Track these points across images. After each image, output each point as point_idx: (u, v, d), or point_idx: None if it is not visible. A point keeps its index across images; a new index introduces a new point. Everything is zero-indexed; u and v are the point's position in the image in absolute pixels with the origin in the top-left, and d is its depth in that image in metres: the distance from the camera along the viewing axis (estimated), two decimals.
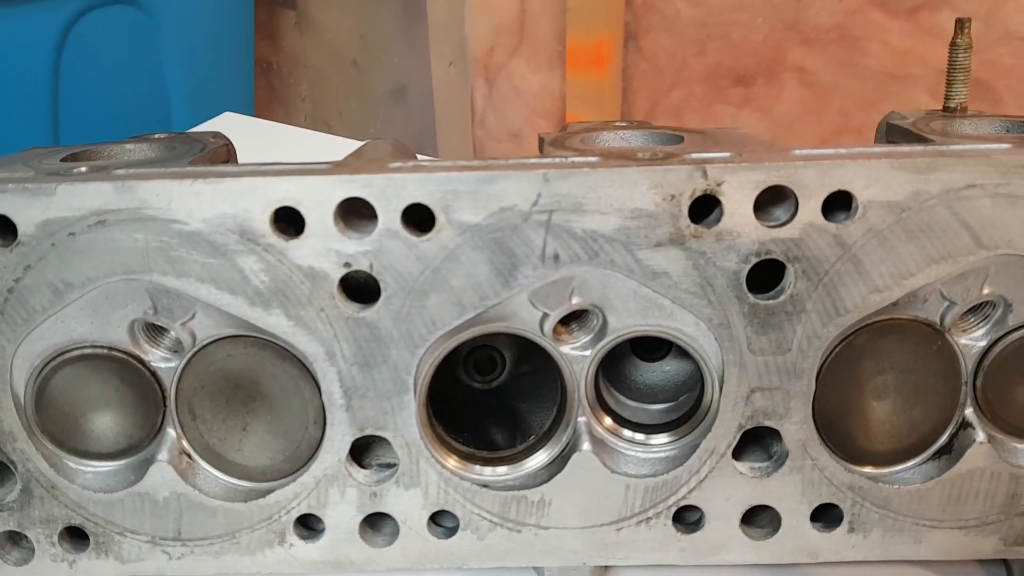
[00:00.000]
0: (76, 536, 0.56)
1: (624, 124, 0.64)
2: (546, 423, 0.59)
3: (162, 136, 0.64)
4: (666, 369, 0.60)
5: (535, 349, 0.60)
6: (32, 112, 1.44)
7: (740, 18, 1.48)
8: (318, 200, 0.49)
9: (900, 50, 1.39)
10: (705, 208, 0.49)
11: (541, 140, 0.62)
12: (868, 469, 0.54)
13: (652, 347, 0.60)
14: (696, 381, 0.58)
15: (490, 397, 0.64)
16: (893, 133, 0.61)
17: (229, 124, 1.32)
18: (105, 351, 0.53)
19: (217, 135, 0.65)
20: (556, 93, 1.69)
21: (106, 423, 0.54)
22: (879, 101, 1.42)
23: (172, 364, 0.53)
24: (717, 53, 1.53)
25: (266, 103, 2.16)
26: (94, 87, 1.54)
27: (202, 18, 1.74)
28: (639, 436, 0.55)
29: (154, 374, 0.53)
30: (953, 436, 0.54)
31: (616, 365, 0.60)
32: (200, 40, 1.74)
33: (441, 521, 0.56)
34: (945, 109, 0.65)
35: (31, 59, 1.43)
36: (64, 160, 0.56)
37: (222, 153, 0.63)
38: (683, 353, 0.59)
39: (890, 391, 0.53)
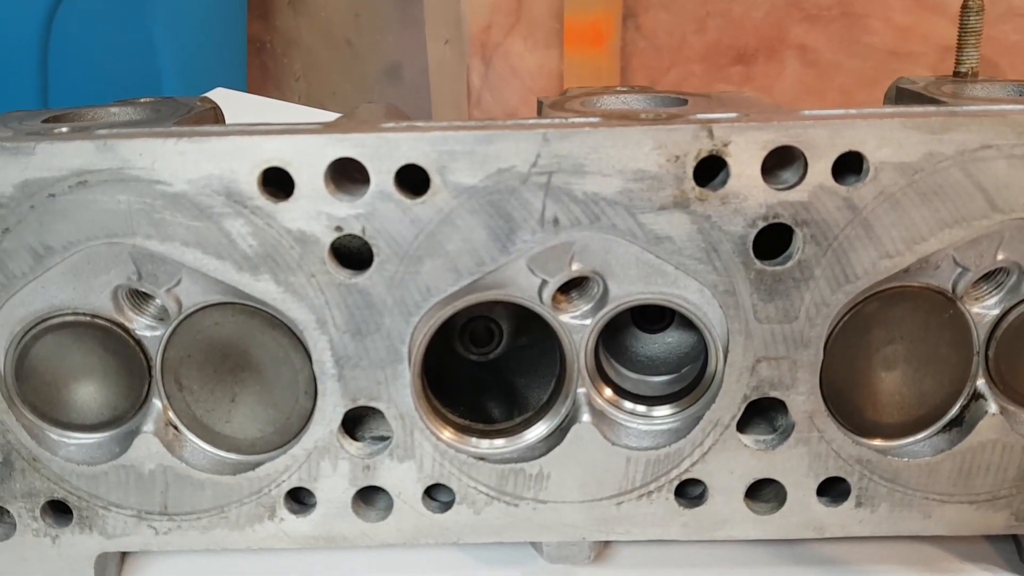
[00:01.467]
0: (59, 510, 0.54)
1: (625, 89, 0.62)
2: (544, 398, 0.58)
3: (148, 100, 0.62)
4: (668, 340, 0.59)
5: (533, 320, 0.58)
6: (21, 86, 1.41)
7: None
8: (308, 160, 0.47)
9: (902, 27, 1.37)
10: (711, 170, 0.47)
11: (540, 103, 0.60)
12: (876, 442, 0.52)
13: (654, 317, 0.59)
14: (699, 353, 0.57)
15: (487, 370, 0.62)
16: (903, 97, 0.59)
17: (222, 99, 1.29)
18: (88, 318, 0.51)
19: (205, 99, 0.63)
20: (553, 72, 1.66)
21: (89, 393, 0.52)
22: (881, 79, 1.40)
23: (158, 332, 0.51)
24: (717, 31, 1.51)
25: (259, 83, 2.13)
26: (84, 63, 1.51)
27: None
28: (640, 408, 0.53)
29: (139, 343, 0.51)
30: (964, 408, 0.52)
31: (616, 336, 0.58)
32: (192, 17, 1.71)
33: (436, 495, 0.54)
34: (956, 74, 0.63)
35: (20, 32, 1.40)
36: (46, 122, 0.54)
37: (209, 117, 0.61)
38: (685, 324, 0.58)
39: (900, 361, 0.51)
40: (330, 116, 1.27)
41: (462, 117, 1.77)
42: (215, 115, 0.62)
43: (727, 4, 1.50)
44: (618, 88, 0.63)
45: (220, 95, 1.30)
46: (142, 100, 0.62)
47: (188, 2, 1.69)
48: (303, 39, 2.09)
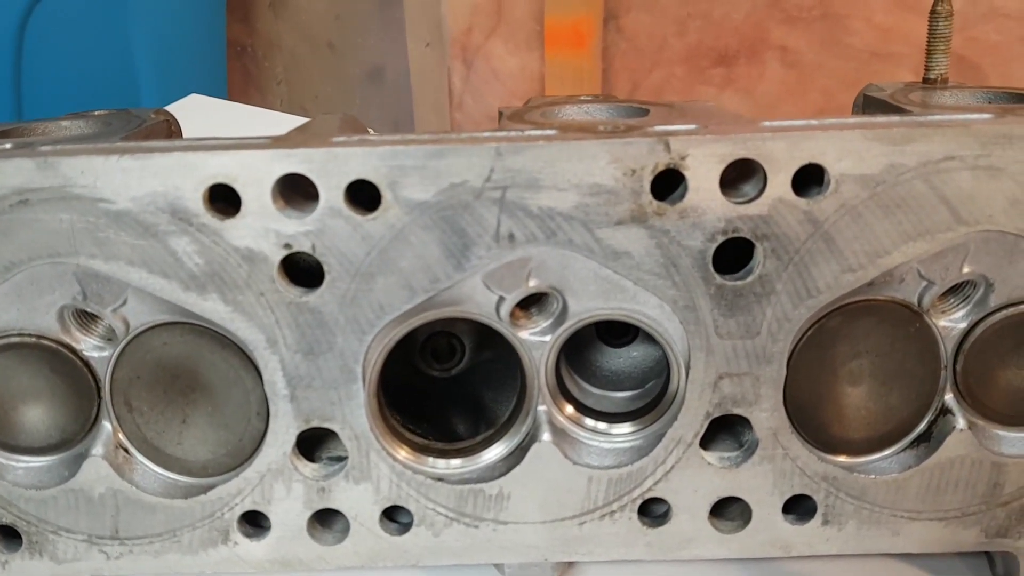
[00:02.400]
0: (7, 535, 0.52)
1: (588, 98, 0.61)
2: (509, 413, 0.57)
3: (101, 113, 0.61)
4: (633, 355, 0.57)
5: (495, 335, 0.57)
6: None
7: None
8: (255, 176, 0.45)
9: (884, 28, 1.36)
10: (669, 184, 0.46)
11: (500, 114, 0.59)
12: (843, 458, 0.51)
13: (618, 332, 0.57)
14: (664, 367, 0.55)
15: (451, 386, 0.61)
16: (870, 106, 0.58)
17: (196, 106, 1.28)
18: (33, 339, 0.49)
19: (160, 111, 0.62)
20: (535, 74, 1.65)
21: (37, 416, 0.51)
22: (862, 80, 1.39)
23: (106, 353, 0.50)
24: (698, 32, 1.50)
25: (241, 86, 2.12)
26: (59, 68, 1.49)
27: None
28: (601, 425, 0.52)
29: (87, 364, 0.50)
30: (932, 423, 0.51)
31: (580, 351, 0.57)
32: (170, 21, 1.69)
33: (394, 517, 0.53)
34: (925, 81, 0.62)
35: None
36: None
37: (162, 129, 0.60)
38: (651, 338, 0.57)
39: (865, 376, 0.50)
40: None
41: (444, 120, 1.76)
42: (168, 128, 0.61)
43: (708, 6, 1.48)
44: (581, 97, 0.61)
45: (194, 102, 1.29)
46: (96, 113, 0.61)
47: (166, 6, 1.67)
48: (284, 42, 2.08)
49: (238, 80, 2.12)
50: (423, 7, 1.72)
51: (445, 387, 0.61)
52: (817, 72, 1.44)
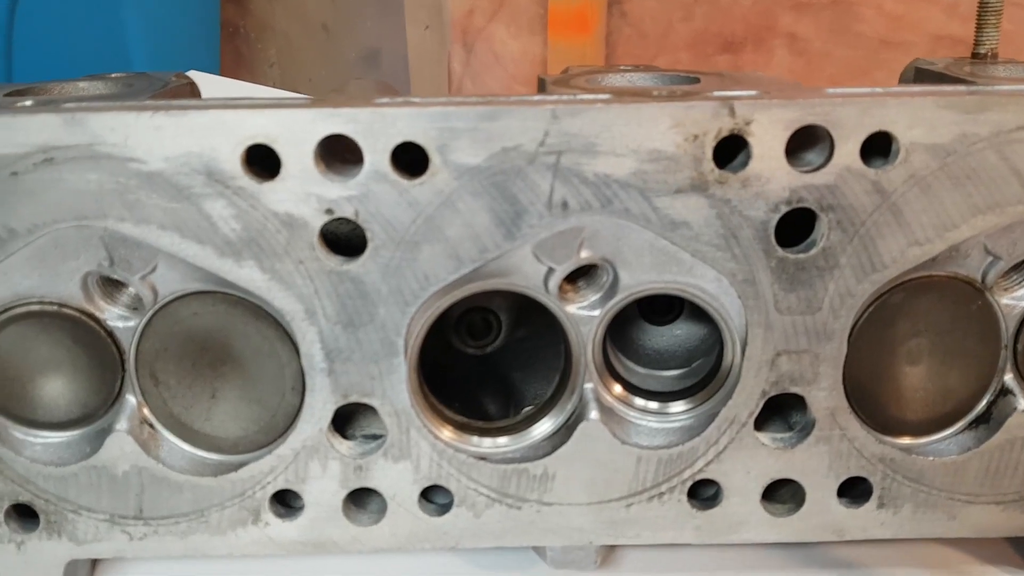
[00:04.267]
0: (24, 514, 0.50)
1: (629, 68, 0.59)
2: (543, 393, 0.55)
3: (119, 75, 0.58)
4: (676, 333, 0.55)
5: (534, 311, 0.55)
6: None
7: None
8: (296, 137, 0.43)
9: (894, 16, 1.35)
10: (730, 151, 0.44)
11: (541, 81, 0.56)
12: (900, 440, 0.49)
13: (662, 309, 0.55)
14: (709, 345, 0.54)
15: (482, 365, 0.59)
16: (924, 78, 0.57)
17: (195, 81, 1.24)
18: (55, 308, 0.47)
19: (180, 75, 0.59)
20: (537, 59, 1.62)
21: (57, 389, 0.48)
22: (871, 69, 1.38)
23: (131, 323, 0.47)
24: (704, 18, 1.48)
25: (233, 68, 2.08)
26: (50, 45, 1.45)
27: None
28: (653, 404, 0.50)
29: (111, 334, 0.48)
30: (992, 404, 0.49)
31: (622, 329, 0.55)
32: (164, 1, 1.66)
33: (433, 497, 0.50)
34: (974, 56, 0.60)
35: None
36: (8, 95, 0.50)
37: (185, 92, 0.57)
38: (695, 316, 0.55)
39: (925, 355, 0.48)
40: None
41: None
42: (192, 91, 0.58)
43: None
44: (621, 67, 0.59)
45: (193, 77, 1.26)
46: (113, 75, 0.58)
47: None
48: (278, 24, 2.04)
49: (229, 62, 2.08)
50: None
51: (475, 366, 0.59)
52: (825, 60, 1.42)
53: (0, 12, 1.38)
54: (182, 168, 0.43)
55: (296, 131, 0.43)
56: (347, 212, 0.44)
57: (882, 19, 1.36)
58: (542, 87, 0.55)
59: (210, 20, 1.86)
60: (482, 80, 1.68)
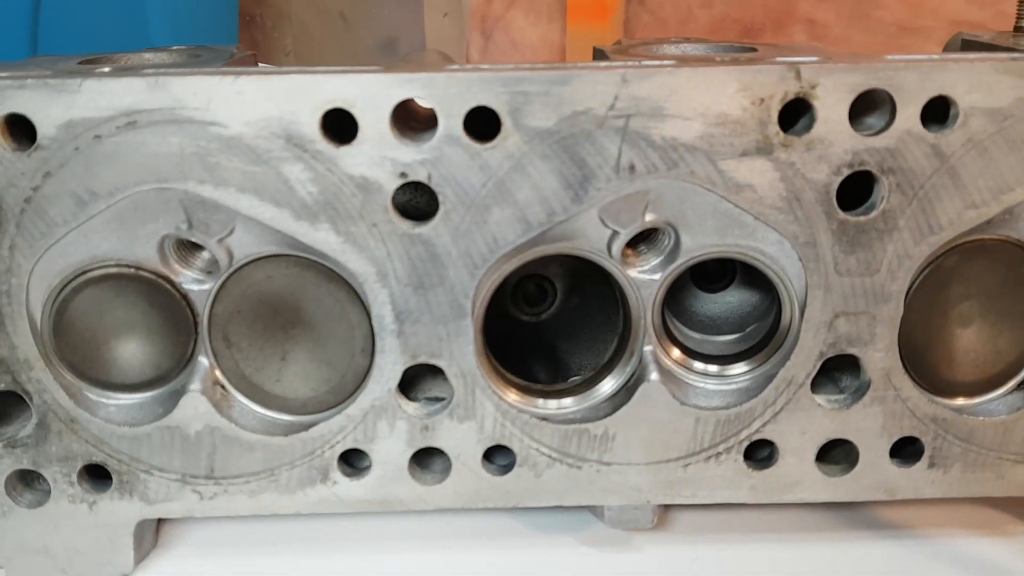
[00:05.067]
0: (97, 475, 0.51)
1: (679, 40, 0.60)
2: (588, 364, 0.56)
3: (181, 48, 0.59)
4: (728, 300, 0.57)
5: (588, 279, 0.57)
6: (11, 37, 1.36)
7: None
8: (373, 102, 0.44)
9: (913, 1, 1.36)
10: (794, 115, 0.45)
11: (597, 51, 0.58)
12: (952, 401, 0.51)
13: (714, 277, 0.57)
14: (762, 312, 0.55)
15: (530, 333, 0.60)
16: (972, 48, 0.58)
17: None
18: (131, 271, 0.48)
19: (241, 48, 0.60)
20: (555, 46, 1.64)
21: (131, 351, 0.49)
22: (890, 54, 1.39)
23: (206, 286, 0.49)
24: (723, 4, 1.49)
25: None
26: (73, 30, 1.46)
27: None
28: (712, 367, 0.51)
29: (185, 297, 0.49)
30: None
31: (675, 296, 0.56)
32: None
33: (494, 457, 0.52)
34: (1016, 29, 0.61)
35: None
36: (82, 63, 0.51)
37: (251, 62, 0.58)
38: (747, 282, 0.56)
39: (976, 317, 0.50)
40: None
41: None
42: (256, 62, 0.59)
43: None
44: (672, 39, 0.60)
45: None
46: (175, 48, 0.59)
47: None
48: (294, 12, 2.05)
49: (245, 50, 2.09)
50: None
51: (524, 333, 0.60)
52: (844, 45, 1.43)
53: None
54: (262, 132, 0.44)
55: (373, 96, 0.44)
56: (420, 176, 0.45)
57: (901, 5, 1.38)
58: (600, 57, 0.57)
59: (229, 5, 1.87)
60: None
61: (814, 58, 0.45)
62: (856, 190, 0.46)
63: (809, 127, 0.45)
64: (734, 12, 1.49)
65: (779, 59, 0.45)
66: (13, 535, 0.51)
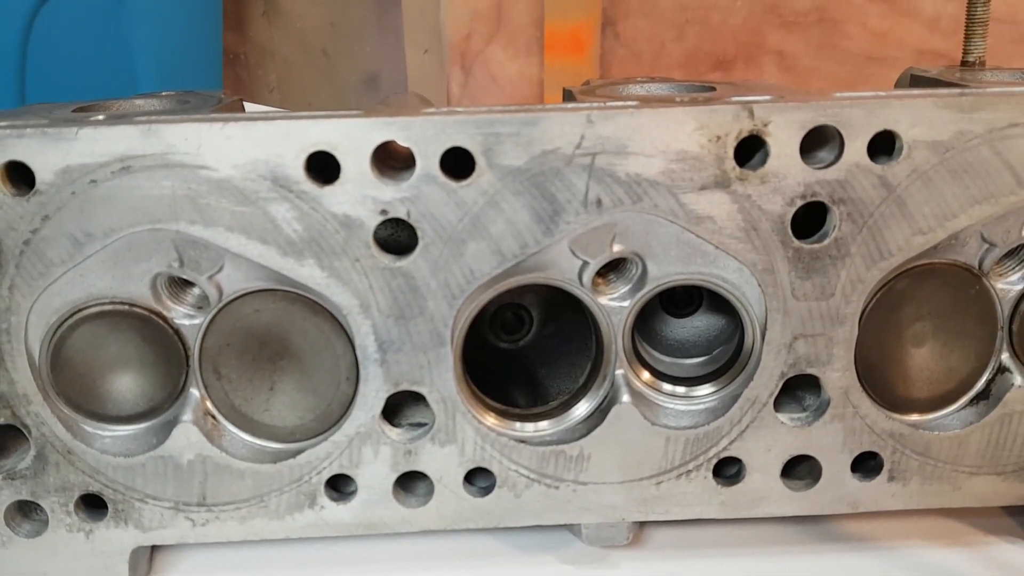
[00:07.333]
0: (93, 504, 0.53)
1: (645, 79, 0.63)
2: (566, 388, 0.58)
3: (171, 93, 0.62)
4: (696, 324, 0.59)
5: (562, 307, 0.59)
6: None
7: (719, 2, 1.48)
8: (354, 144, 0.47)
9: (879, 32, 1.41)
10: (749, 151, 0.48)
11: (567, 92, 0.61)
12: (908, 416, 0.53)
13: (682, 303, 0.59)
14: (728, 336, 0.58)
15: (510, 359, 0.63)
16: (919, 83, 0.61)
17: None
18: (126, 307, 0.50)
19: (226, 92, 0.63)
20: (534, 80, 1.68)
21: (126, 384, 0.51)
22: (857, 83, 1.44)
23: (196, 321, 0.51)
24: (696, 37, 1.54)
25: (233, 94, 2.12)
26: (61, 72, 1.49)
27: (171, 5, 1.70)
28: (680, 389, 0.54)
29: (177, 331, 0.51)
30: (990, 381, 0.54)
31: (645, 321, 0.59)
32: (169, 28, 1.70)
33: (475, 480, 0.54)
34: (963, 64, 0.65)
35: (1, 33, 1.38)
36: (76, 111, 0.54)
37: (238, 107, 0.61)
38: (713, 307, 0.59)
39: (928, 337, 0.53)
40: None
41: None
42: (242, 107, 0.62)
43: (705, 12, 1.52)
44: (638, 78, 0.64)
45: None
46: (164, 93, 0.62)
47: (165, 13, 1.68)
48: (277, 49, 2.09)
49: (230, 87, 2.12)
50: (422, 14, 1.74)
51: (504, 360, 0.62)
52: (813, 75, 1.48)
53: (14, 38, 1.42)
54: (249, 174, 0.47)
55: (355, 139, 0.47)
56: (400, 213, 0.48)
57: (867, 36, 1.42)
58: (568, 98, 0.60)
59: (213, 46, 1.91)
60: (480, 102, 1.73)
61: (767, 97, 0.48)
62: (810, 220, 0.49)
63: (763, 162, 0.48)
64: (706, 45, 1.54)
65: (734, 99, 0.48)
66: (12, 564, 0.53)
